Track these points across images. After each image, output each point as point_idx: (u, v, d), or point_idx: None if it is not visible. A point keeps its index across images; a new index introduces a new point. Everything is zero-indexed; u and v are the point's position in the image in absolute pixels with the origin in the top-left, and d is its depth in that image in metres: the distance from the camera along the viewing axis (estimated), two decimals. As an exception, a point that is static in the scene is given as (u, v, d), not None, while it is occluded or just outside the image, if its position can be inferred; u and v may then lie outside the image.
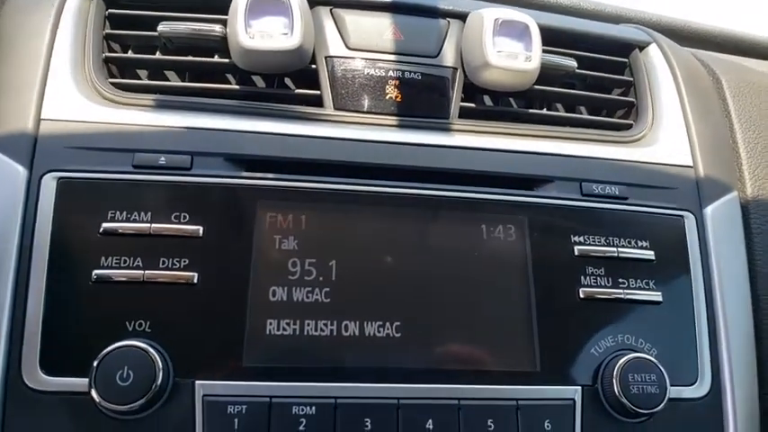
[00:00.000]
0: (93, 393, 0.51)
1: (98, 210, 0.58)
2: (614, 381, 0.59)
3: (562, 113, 0.76)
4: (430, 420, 0.56)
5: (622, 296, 0.63)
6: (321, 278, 0.59)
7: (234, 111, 0.64)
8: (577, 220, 0.66)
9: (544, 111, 0.75)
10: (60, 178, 0.58)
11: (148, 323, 0.55)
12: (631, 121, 0.75)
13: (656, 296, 0.64)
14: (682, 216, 0.68)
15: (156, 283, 0.56)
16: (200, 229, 0.58)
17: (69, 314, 0.55)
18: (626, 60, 0.80)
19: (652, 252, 0.66)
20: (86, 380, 0.52)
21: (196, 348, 0.56)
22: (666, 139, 0.73)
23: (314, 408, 0.55)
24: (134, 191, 0.59)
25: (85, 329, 0.55)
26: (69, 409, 0.53)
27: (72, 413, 0.53)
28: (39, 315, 0.54)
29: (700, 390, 0.63)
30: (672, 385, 0.60)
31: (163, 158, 0.60)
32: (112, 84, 0.64)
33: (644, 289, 0.64)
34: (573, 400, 0.60)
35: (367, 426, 0.56)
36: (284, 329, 0.57)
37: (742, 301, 0.68)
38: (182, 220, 0.58)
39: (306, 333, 0.58)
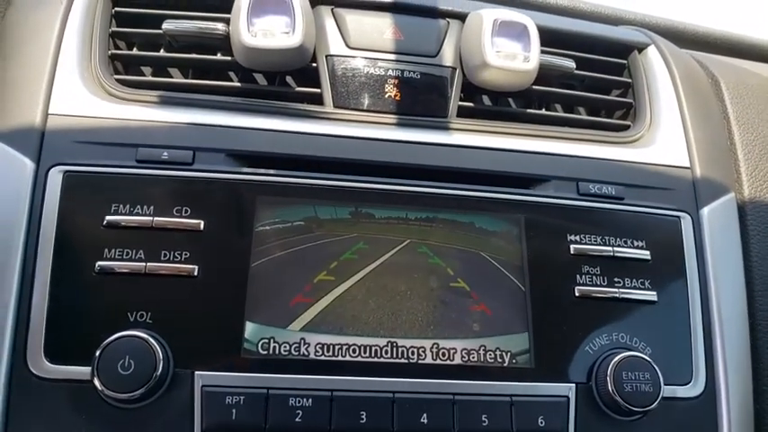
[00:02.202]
0: (96, 382, 0.52)
1: (102, 203, 0.59)
2: (608, 379, 0.59)
3: (560, 114, 0.77)
4: (425, 414, 0.57)
5: (618, 295, 0.64)
6: None
7: (235, 108, 0.66)
8: (574, 220, 0.66)
9: (542, 111, 0.76)
10: (66, 172, 0.59)
11: (150, 314, 0.57)
12: (629, 122, 0.76)
13: (651, 296, 0.65)
14: (678, 217, 0.69)
15: (158, 275, 0.57)
16: (201, 223, 0.59)
17: (73, 304, 0.56)
18: (624, 62, 0.81)
19: (648, 252, 0.66)
20: (89, 368, 0.53)
21: (196, 339, 0.57)
22: (664, 139, 0.74)
23: (310, 400, 0.56)
24: (137, 185, 0.60)
25: (88, 319, 0.56)
26: (72, 396, 0.54)
27: (75, 400, 0.54)
28: (44, 305, 0.56)
29: (694, 389, 0.64)
30: (666, 384, 0.60)
31: (165, 153, 0.61)
32: (118, 80, 0.66)
33: (639, 288, 0.65)
34: (567, 397, 0.60)
35: (362, 419, 0.56)
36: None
37: (737, 302, 0.68)
38: (183, 214, 0.60)
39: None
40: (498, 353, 0.61)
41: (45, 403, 0.54)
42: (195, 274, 0.58)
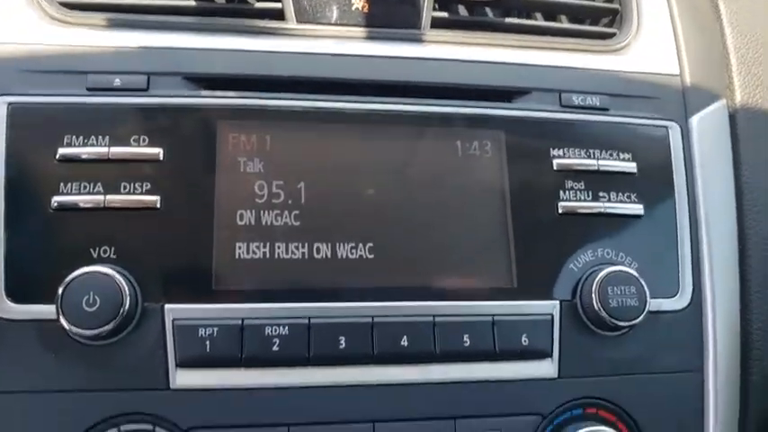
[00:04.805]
0: (62, 320, 0.50)
1: (53, 135, 0.55)
2: (593, 294, 0.58)
3: (541, 22, 0.72)
4: (405, 337, 0.56)
5: (603, 210, 0.61)
6: (290, 201, 0.58)
7: (191, 28, 0.61)
8: (556, 133, 0.63)
9: (522, 20, 0.71)
10: (11, 103, 0.55)
11: (113, 249, 0.54)
12: (615, 30, 0.71)
13: (637, 210, 0.62)
14: (666, 126, 0.66)
15: (118, 208, 0.55)
16: (161, 151, 0.56)
17: (32, 243, 0.54)
18: None
19: (634, 164, 0.63)
20: (54, 307, 0.51)
21: (163, 273, 0.55)
22: (652, 46, 0.69)
23: (287, 328, 0.55)
24: (89, 114, 0.56)
25: (50, 257, 0.54)
26: (40, 336, 0.52)
27: (43, 341, 0.52)
28: (0, 245, 0.53)
29: (680, 302, 0.62)
30: (652, 297, 0.59)
31: (118, 80, 0.57)
32: (61, 3, 0.60)
33: (625, 202, 0.62)
34: (551, 315, 0.59)
35: (341, 344, 0.55)
36: (254, 253, 0.56)
37: (726, 214, 0.66)
38: (141, 143, 0.56)
39: (276, 256, 0.56)
40: (479, 273, 0.59)
41: (12, 345, 0.52)
42: (157, 205, 0.55)
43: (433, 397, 0.56)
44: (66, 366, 0.52)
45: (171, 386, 0.53)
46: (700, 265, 0.63)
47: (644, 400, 0.60)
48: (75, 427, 0.52)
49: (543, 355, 0.58)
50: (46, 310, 0.52)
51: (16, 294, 0.53)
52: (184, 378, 0.53)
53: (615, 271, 0.59)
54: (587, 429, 0.57)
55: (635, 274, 0.59)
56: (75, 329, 0.50)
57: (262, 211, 0.57)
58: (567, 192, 0.62)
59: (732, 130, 0.68)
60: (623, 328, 0.59)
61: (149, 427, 0.53)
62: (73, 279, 0.51)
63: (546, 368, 0.58)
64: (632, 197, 0.63)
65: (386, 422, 0.55)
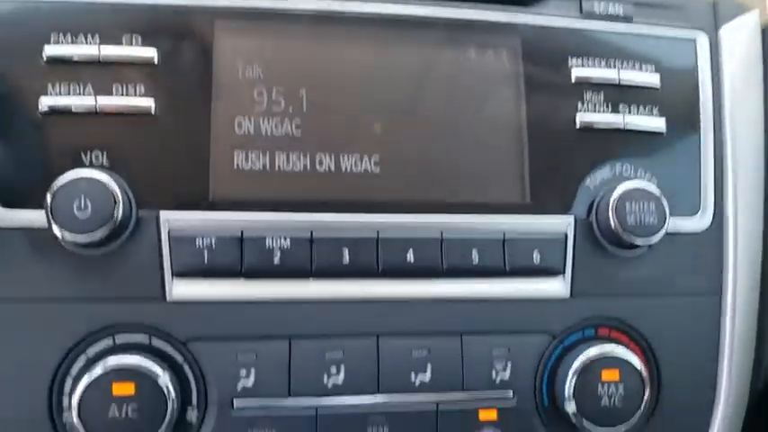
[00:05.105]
0: (53, 225, 0.48)
1: (39, 33, 0.52)
2: (610, 211, 0.55)
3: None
4: (411, 252, 0.54)
5: (622, 125, 0.58)
6: (291, 109, 0.55)
7: None
8: (576, 43, 0.59)
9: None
10: (-6, -2, 0.52)
11: (105, 155, 0.52)
12: (642, -66, 0.66)
13: (659, 125, 0.59)
14: (693, 37, 0.61)
15: (111, 112, 0.52)
16: (155, 53, 0.53)
17: (21, 147, 0.51)
18: None
19: (657, 77, 0.60)
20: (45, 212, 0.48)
21: (158, 181, 0.52)
22: (680, -49, 0.65)
23: (288, 240, 0.52)
24: (78, 10, 0.52)
25: (38, 162, 0.51)
26: (31, 244, 0.50)
27: (34, 249, 0.50)
28: None
29: (701, 222, 0.59)
30: (672, 217, 0.56)
31: None
32: None
33: (647, 117, 0.59)
34: (564, 232, 0.56)
35: (345, 258, 0.53)
36: (253, 163, 0.53)
37: (754, 133, 0.62)
38: (134, 43, 0.53)
39: (277, 167, 0.54)
40: (491, 187, 0.56)
41: (5, 253, 0.50)
42: (152, 110, 0.52)
43: (439, 313, 0.54)
44: (59, 275, 0.50)
45: (167, 297, 0.51)
46: (723, 185, 0.60)
47: (658, 322, 0.58)
48: (69, 336, 0.50)
49: (555, 273, 0.56)
50: (36, 217, 0.49)
51: (6, 199, 0.50)
52: (181, 289, 0.51)
53: (634, 187, 0.56)
54: (598, 349, 0.54)
55: (655, 190, 0.56)
56: (66, 236, 0.48)
57: (261, 120, 0.54)
58: (585, 104, 0.58)
59: (764, 45, 0.63)
60: (640, 246, 0.56)
61: (145, 338, 0.51)
62: (64, 183, 0.48)
63: (557, 287, 0.56)
64: (654, 112, 0.59)
65: (390, 336, 0.54)
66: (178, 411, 0.50)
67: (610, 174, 0.58)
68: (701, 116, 0.60)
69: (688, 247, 0.59)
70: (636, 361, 0.55)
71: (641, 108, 0.59)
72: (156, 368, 0.49)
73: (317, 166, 0.54)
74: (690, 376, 0.59)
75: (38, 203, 0.49)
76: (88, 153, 0.52)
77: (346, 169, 0.54)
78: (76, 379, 0.49)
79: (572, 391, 0.54)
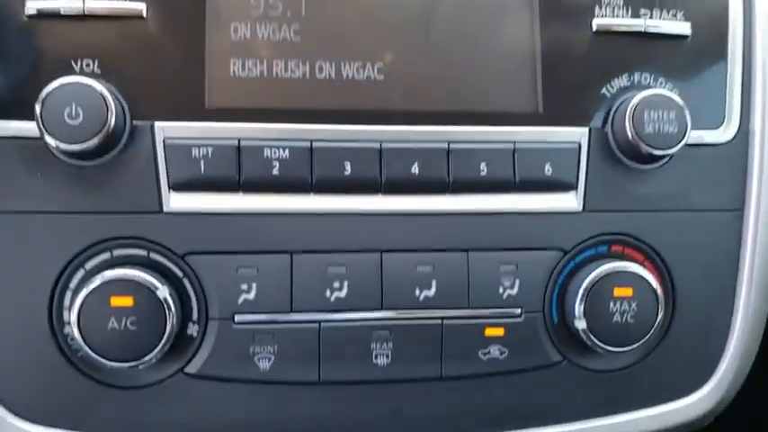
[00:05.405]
0: (44, 134, 0.46)
1: None
2: (627, 120, 0.52)
3: None
4: (416, 164, 0.51)
5: (643, 28, 0.54)
6: (289, 13, 0.52)
7: None
8: (594, -60, 0.55)
9: None
10: None
11: (96, 62, 0.49)
12: None
13: (683, 29, 0.55)
14: (723, -69, 0.57)
15: (100, 15, 0.49)
16: (145, -47, 0.50)
17: (8, 54, 0.49)
18: None
19: (682, -23, 0.56)
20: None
21: (152, 89, 0.50)
22: None
23: (287, 151, 0.50)
24: None
25: (26, 69, 0.49)
26: (24, 155, 0.49)
27: (27, 160, 0.49)
28: None
29: (725, 134, 0.56)
30: (693, 128, 0.53)
31: None
32: None
33: (669, 20, 0.55)
34: (578, 143, 0.53)
35: (346, 170, 0.51)
36: (250, 70, 0.51)
37: (786, 39, 0.58)
38: None
39: (275, 74, 0.51)
40: (501, 95, 0.53)
41: None
42: (143, 14, 0.49)
43: (445, 228, 0.52)
44: (55, 188, 0.49)
45: (164, 209, 0.50)
46: (750, 95, 0.56)
47: (676, 239, 0.55)
48: (66, 250, 0.49)
49: (567, 186, 0.53)
50: (27, 127, 0.48)
51: (-5, 109, 0.49)
52: (178, 201, 0.50)
53: (653, 94, 0.52)
54: (611, 266, 0.52)
55: (675, 98, 0.52)
56: (60, 145, 0.46)
57: (258, 25, 0.51)
58: (603, 8, 0.54)
59: (801, -57, 0.59)
60: (659, 158, 0.53)
61: (143, 252, 0.50)
62: (53, 90, 0.46)
63: (569, 201, 0.53)
64: (678, 14, 0.55)
65: (394, 252, 0.52)
66: (178, 326, 0.49)
67: (628, 81, 0.54)
68: (730, 21, 0.56)
69: (709, 159, 0.56)
70: (650, 278, 0.53)
71: (664, 12, 0.55)
72: (155, 281, 0.48)
73: (317, 74, 0.52)
74: (706, 298, 0.57)
75: (28, 114, 0.47)
76: (79, 61, 0.49)
77: (348, 77, 0.52)
78: (75, 292, 0.48)
79: (583, 308, 0.52)
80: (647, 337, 0.53)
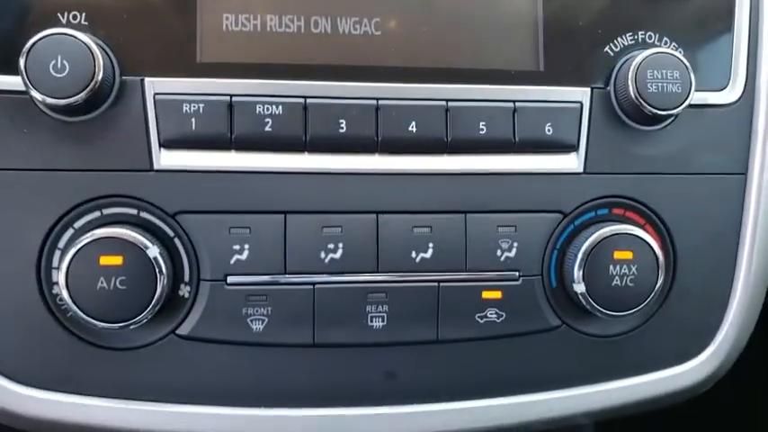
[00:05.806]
0: (31, 90, 0.44)
1: None
2: (630, 79, 0.50)
3: None
4: (413, 122, 0.50)
5: (647, -15, 0.53)
6: None
7: None
8: None
9: None
10: None
11: (84, 14, 0.48)
12: None
13: (688, -13, 0.54)
14: None
15: None
16: None
17: (-7, 5, 0.48)
18: None
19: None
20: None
21: (143, 43, 0.49)
22: None
23: (281, 107, 0.49)
24: None
25: (13, 22, 0.47)
26: (10, 111, 0.47)
27: (14, 116, 0.47)
28: None
29: (729, 95, 0.55)
30: (698, 89, 0.51)
31: None
32: None
33: (676, -23, 0.54)
34: (579, 102, 0.52)
35: (341, 127, 0.49)
36: (243, 24, 0.49)
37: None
38: None
39: (269, 29, 0.50)
40: (501, 53, 0.52)
41: None
42: (132, -36, 0.48)
43: (442, 189, 0.51)
44: (43, 145, 0.48)
45: (154, 167, 0.49)
46: (757, 56, 0.55)
47: (677, 202, 0.54)
48: (54, 208, 0.48)
49: (568, 147, 0.52)
50: (12, 81, 0.46)
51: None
52: (169, 159, 0.49)
53: (657, 53, 0.51)
54: (611, 229, 0.51)
55: (679, 57, 0.51)
56: (46, 99, 0.45)
57: (251, -23, 0.50)
58: (608, -38, 0.53)
59: None
60: (662, 118, 0.52)
61: (133, 210, 0.49)
62: (38, 41, 0.45)
63: (570, 162, 0.52)
64: (685, -28, 0.54)
65: (390, 214, 0.51)
66: (170, 287, 0.48)
67: (631, 40, 0.53)
68: (737, -20, 0.55)
69: (713, 121, 0.54)
70: (651, 242, 0.52)
71: (670, -32, 0.54)
72: (144, 240, 0.47)
73: (312, 29, 0.50)
74: (707, 263, 0.56)
75: (16, 69, 0.45)
76: (65, 13, 0.48)
77: (344, 32, 0.50)
78: (64, 251, 0.47)
79: (582, 271, 0.51)
80: (646, 302, 0.52)
